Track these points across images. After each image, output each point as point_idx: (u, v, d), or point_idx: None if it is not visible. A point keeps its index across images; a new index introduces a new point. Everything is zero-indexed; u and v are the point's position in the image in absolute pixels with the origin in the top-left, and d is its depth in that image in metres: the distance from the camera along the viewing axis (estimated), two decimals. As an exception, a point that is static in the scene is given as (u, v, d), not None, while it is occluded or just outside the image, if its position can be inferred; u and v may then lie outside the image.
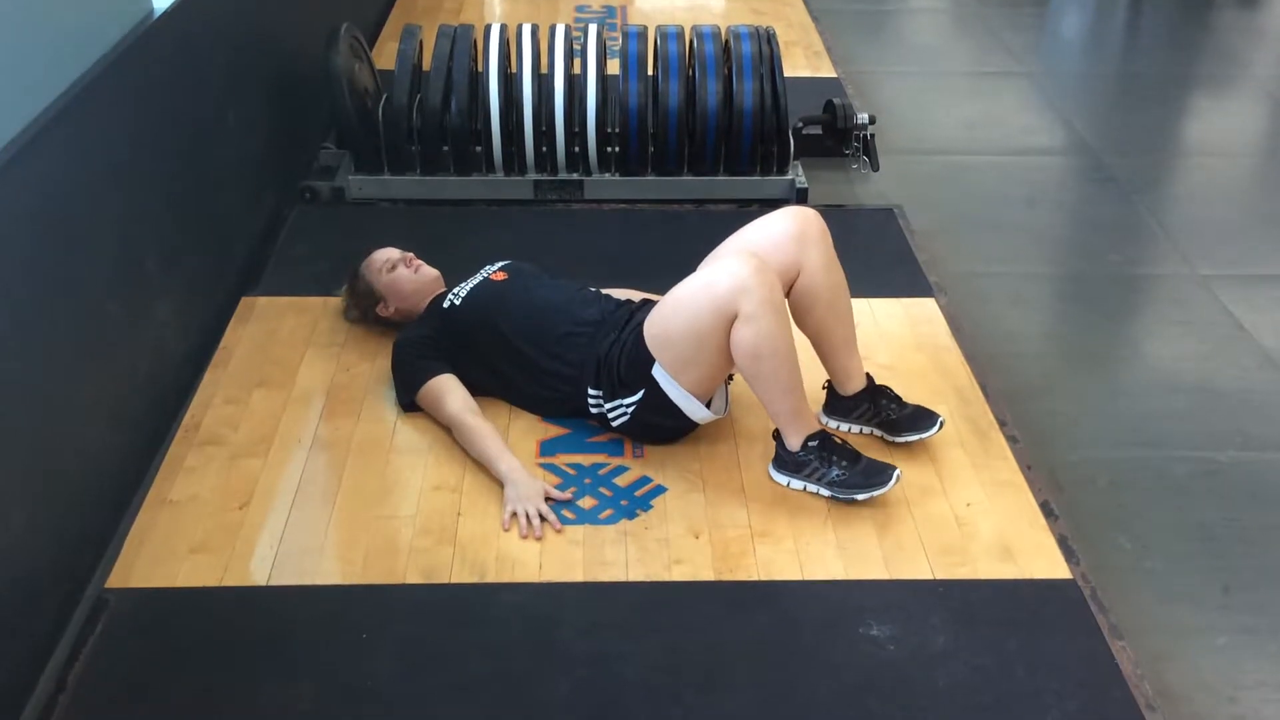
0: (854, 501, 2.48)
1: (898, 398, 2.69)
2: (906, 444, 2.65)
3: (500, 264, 2.88)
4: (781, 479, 2.55)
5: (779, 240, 2.58)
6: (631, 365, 2.56)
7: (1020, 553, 2.40)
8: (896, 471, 2.47)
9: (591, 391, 2.63)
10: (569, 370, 2.65)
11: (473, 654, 2.14)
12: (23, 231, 2.13)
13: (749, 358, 2.44)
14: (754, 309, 2.39)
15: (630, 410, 2.59)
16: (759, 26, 3.89)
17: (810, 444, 2.50)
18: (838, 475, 2.48)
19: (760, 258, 2.45)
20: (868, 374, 2.70)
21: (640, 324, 2.58)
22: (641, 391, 2.56)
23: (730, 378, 2.66)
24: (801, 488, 2.53)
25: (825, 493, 2.50)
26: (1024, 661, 2.15)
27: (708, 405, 2.58)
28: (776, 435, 2.56)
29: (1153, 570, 2.52)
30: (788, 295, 2.60)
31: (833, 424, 2.72)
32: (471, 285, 2.81)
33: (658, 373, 2.52)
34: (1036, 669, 2.14)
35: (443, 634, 2.19)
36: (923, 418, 2.65)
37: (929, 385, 2.90)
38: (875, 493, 2.46)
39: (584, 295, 2.76)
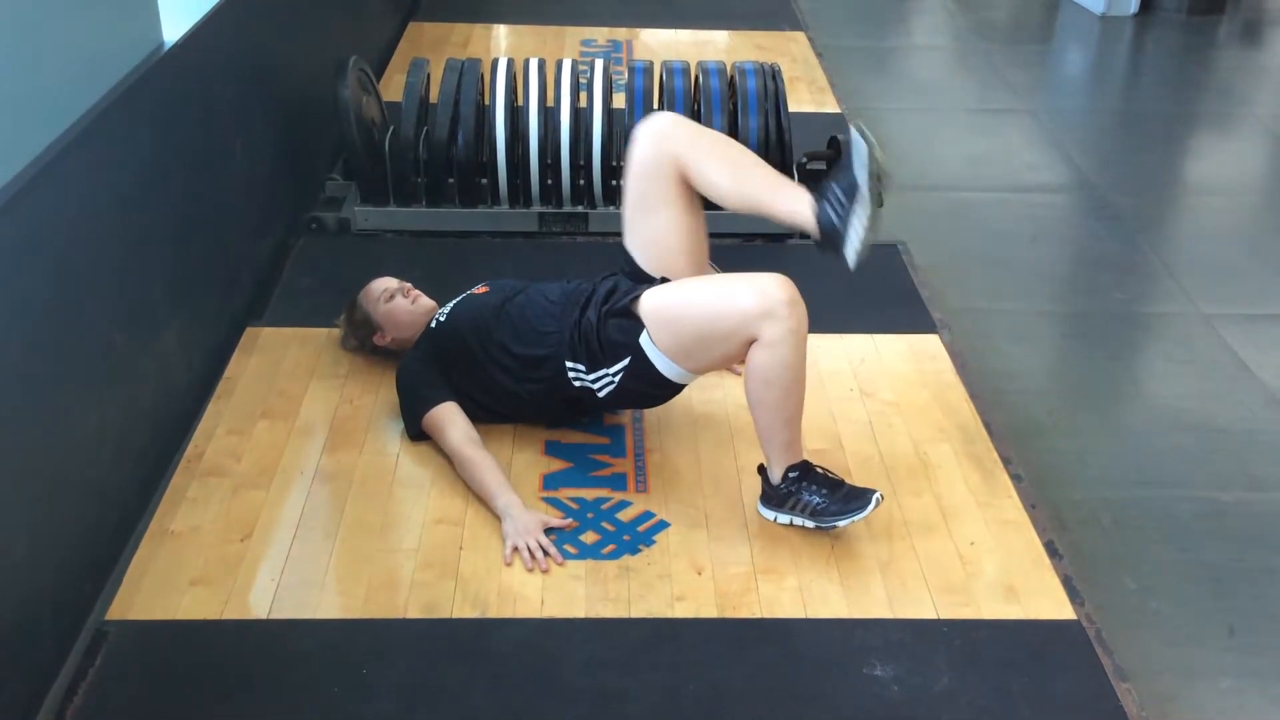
0: (835, 528, 2.47)
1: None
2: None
3: (484, 282, 2.90)
4: (769, 514, 2.55)
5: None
6: (617, 333, 2.56)
7: (1024, 593, 2.39)
8: (876, 495, 2.44)
9: (570, 365, 2.62)
10: (544, 351, 2.64)
11: (473, 689, 2.13)
12: (30, 261, 2.13)
13: (760, 383, 2.43)
14: (778, 336, 2.38)
15: (617, 379, 2.58)
16: (764, 63, 3.91)
17: (790, 474, 2.50)
18: (818, 504, 2.47)
19: (793, 286, 2.42)
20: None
21: (625, 295, 2.58)
22: (628, 359, 2.55)
23: None
24: (788, 521, 2.52)
25: (810, 524, 2.49)
26: (1028, 703, 2.13)
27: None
28: (761, 470, 2.56)
29: (1158, 611, 2.51)
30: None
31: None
32: (455, 302, 2.85)
33: (645, 343, 2.51)
34: (1041, 710, 2.12)
35: (443, 669, 2.17)
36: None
37: (932, 422, 2.89)
38: (855, 518, 2.44)
39: (556, 283, 2.77)
